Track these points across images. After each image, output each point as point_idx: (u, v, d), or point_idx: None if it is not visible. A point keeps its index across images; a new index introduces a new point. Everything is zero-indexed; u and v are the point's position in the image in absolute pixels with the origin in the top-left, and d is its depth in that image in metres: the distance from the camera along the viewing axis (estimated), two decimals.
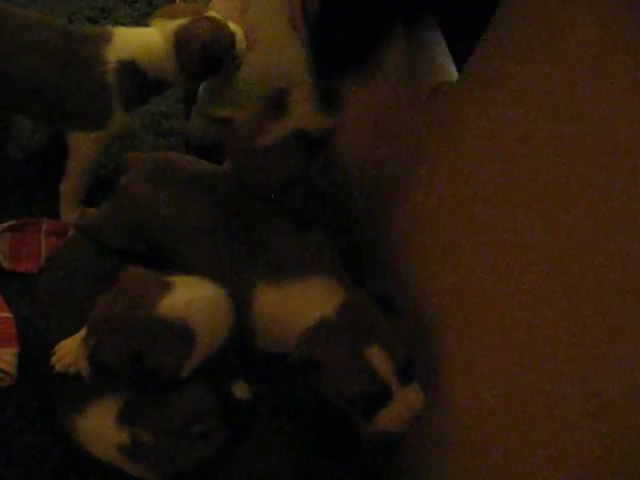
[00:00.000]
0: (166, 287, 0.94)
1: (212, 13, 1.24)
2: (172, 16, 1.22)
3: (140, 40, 1.21)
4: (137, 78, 1.20)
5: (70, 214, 1.28)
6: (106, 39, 1.19)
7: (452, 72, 1.02)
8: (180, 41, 1.20)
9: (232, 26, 1.26)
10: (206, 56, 1.21)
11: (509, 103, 0.75)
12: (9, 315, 1.15)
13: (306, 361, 0.90)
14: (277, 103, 1.03)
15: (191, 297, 0.94)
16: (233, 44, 1.25)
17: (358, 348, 0.88)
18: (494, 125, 0.78)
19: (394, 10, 1.02)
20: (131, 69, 1.19)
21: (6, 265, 1.22)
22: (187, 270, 1.01)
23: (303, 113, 1.02)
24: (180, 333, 0.91)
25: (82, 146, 1.23)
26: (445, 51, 1.02)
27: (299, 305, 0.96)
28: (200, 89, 1.42)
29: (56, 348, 1.02)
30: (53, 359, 1.01)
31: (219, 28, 1.23)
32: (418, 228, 1.02)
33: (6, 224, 1.24)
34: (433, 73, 1.02)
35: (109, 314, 0.91)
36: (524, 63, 0.72)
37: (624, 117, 0.58)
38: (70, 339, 1.02)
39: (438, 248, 0.96)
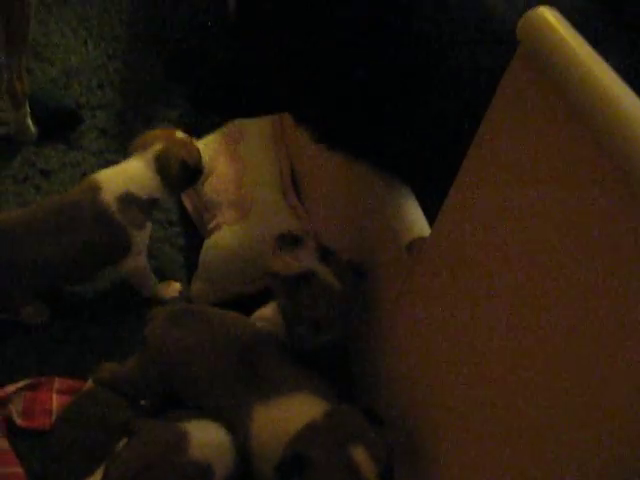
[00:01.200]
0: (185, 435, 1.02)
1: (179, 134, 1.49)
2: (146, 146, 1.45)
3: (125, 173, 1.42)
4: (136, 203, 1.40)
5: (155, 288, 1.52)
6: (96, 188, 1.38)
7: (425, 227, 1.12)
8: (161, 164, 1.43)
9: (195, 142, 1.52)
10: (185, 170, 1.45)
11: (480, 258, 0.84)
12: (20, 470, 1.19)
13: (296, 459, 0.95)
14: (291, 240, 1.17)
15: (207, 439, 1.04)
16: (200, 156, 1.50)
17: (344, 447, 0.95)
18: (467, 277, 0.89)
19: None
20: (129, 199, 1.39)
21: (19, 422, 1.27)
22: (199, 402, 1.09)
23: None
24: (206, 474, 0.99)
25: (130, 264, 1.44)
26: (416, 207, 1.14)
27: (288, 419, 1.04)
28: (201, 255, 1.56)
29: None
30: None
31: (190, 145, 1.49)
32: (403, 357, 1.11)
33: (21, 383, 1.31)
34: (407, 230, 1.12)
35: (142, 463, 0.97)
36: (491, 218, 0.81)
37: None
38: None
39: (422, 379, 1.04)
